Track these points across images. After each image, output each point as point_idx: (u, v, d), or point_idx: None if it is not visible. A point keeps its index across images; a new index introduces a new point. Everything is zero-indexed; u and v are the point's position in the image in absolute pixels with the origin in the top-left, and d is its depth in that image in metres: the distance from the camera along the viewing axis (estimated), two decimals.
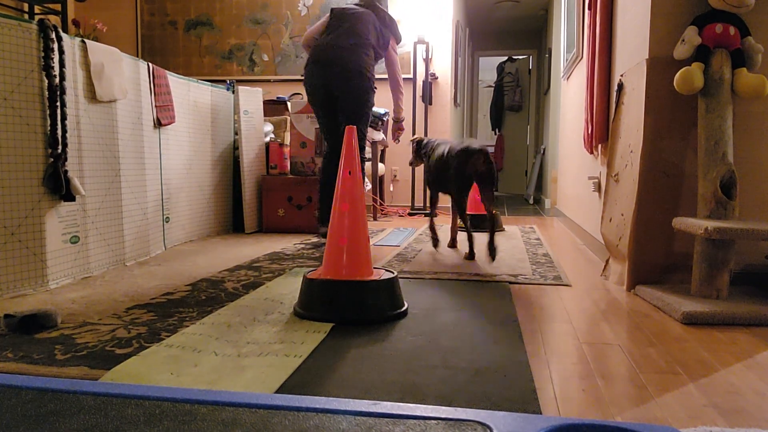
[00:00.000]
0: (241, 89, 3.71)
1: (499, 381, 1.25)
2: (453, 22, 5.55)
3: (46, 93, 2.13)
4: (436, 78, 5.41)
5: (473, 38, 8.39)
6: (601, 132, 2.94)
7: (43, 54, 2.11)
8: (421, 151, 3.27)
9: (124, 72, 2.61)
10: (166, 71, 3.06)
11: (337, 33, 3.08)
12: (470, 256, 2.86)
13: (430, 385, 1.23)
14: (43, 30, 2.12)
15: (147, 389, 1.05)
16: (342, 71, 3.00)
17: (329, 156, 3.21)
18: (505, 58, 9.63)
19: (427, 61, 5.27)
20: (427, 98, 5.32)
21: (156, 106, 2.92)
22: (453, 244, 3.27)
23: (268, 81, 5.53)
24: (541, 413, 1.10)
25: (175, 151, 3.16)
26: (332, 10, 3.20)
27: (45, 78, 2.12)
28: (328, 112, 3.16)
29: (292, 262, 2.70)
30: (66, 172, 2.19)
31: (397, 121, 3.50)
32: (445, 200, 5.54)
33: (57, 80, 2.16)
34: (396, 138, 3.61)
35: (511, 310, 1.87)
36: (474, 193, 4.16)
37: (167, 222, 3.09)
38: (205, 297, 2.02)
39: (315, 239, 3.42)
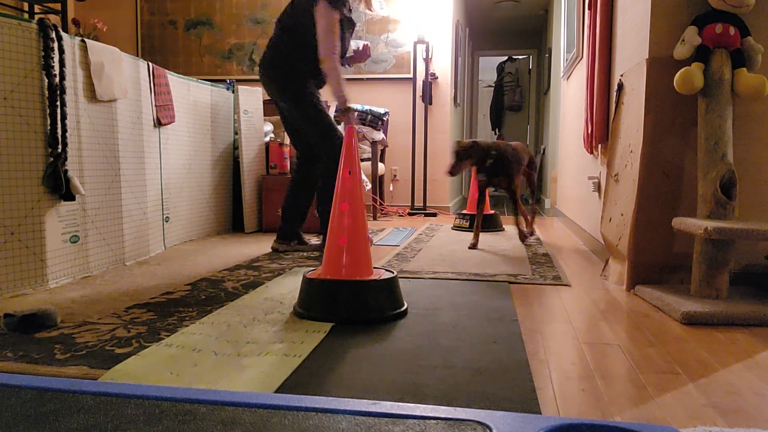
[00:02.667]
0: (241, 89, 3.71)
1: (498, 381, 1.25)
2: (453, 22, 5.55)
3: (46, 92, 2.13)
4: (436, 78, 5.41)
5: (473, 38, 8.38)
6: (601, 132, 2.94)
7: (43, 53, 2.11)
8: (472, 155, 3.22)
9: (124, 71, 2.61)
10: (166, 71, 3.06)
11: None
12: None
13: (430, 385, 1.23)
14: (43, 29, 2.11)
15: (146, 389, 1.05)
16: (262, 77, 2.86)
17: (296, 166, 3.01)
18: (505, 58, 9.63)
19: (427, 61, 5.26)
20: (427, 98, 5.32)
21: (156, 105, 2.92)
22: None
23: None
24: (540, 413, 1.10)
25: (175, 150, 3.16)
26: None
27: (45, 77, 2.12)
28: (283, 121, 3.01)
29: (292, 262, 2.70)
30: (66, 171, 2.19)
31: (337, 110, 2.79)
32: (443, 200, 5.53)
33: (57, 80, 2.16)
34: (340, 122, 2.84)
35: (510, 310, 1.87)
36: (474, 192, 4.16)
37: (167, 221, 3.09)
38: (205, 297, 2.02)
39: (316, 240, 3.39)
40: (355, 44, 3.06)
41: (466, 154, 3.17)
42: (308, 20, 2.68)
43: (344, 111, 2.70)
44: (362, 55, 3.02)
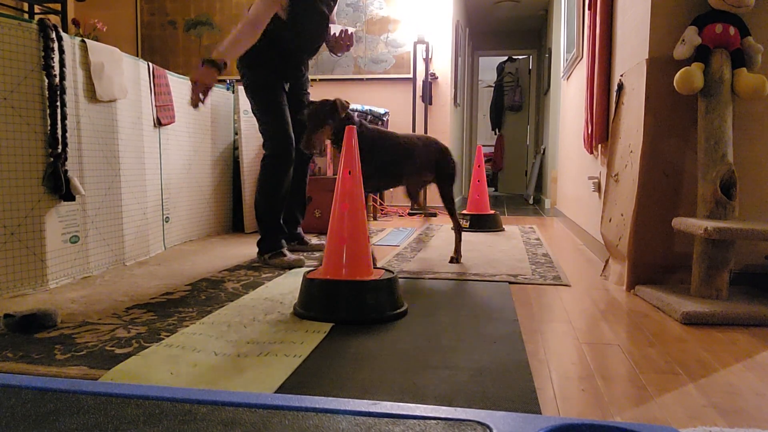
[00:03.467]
0: (241, 89, 3.70)
1: (499, 381, 1.25)
2: (453, 22, 5.55)
3: (46, 93, 2.13)
4: (436, 78, 5.41)
5: (473, 38, 8.38)
6: (601, 132, 2.94)
7: (43, 54, 2.11)
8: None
9: (124, 71, 2.61)
10: (166, 71, 3.06)
11: None
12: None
13: (430, 385, 1.23)
14: (43, 29, 2.11)
15: (147, 389, 1.05)
16: None
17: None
18: (505, 58, 9.63)
19: (427, 61, 5.27)
20: (427, 98, 5.32)
21: (156, 105, 2.92)
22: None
23: None
24: (540, 413, 1.10)
25: (175, 150, 3.16)
26: None
27: (45, 77, 2.12)
28: None
29: None
30: (66, 171, 2.19)
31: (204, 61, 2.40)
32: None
33: (57, 80, 2.16)
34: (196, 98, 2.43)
35: (510, 310, 1.87)
36: (474, 192, 4.16)
37: (167, 222, 3.09)
38: (205, 297, 2.02)
39: (316, 240, 3.39)
40: (334, 29, 2.93)
41: (321, 118, 2.26)
42: None
43: (206, 61, 2.36)
44: (344, 40, 2.84)
